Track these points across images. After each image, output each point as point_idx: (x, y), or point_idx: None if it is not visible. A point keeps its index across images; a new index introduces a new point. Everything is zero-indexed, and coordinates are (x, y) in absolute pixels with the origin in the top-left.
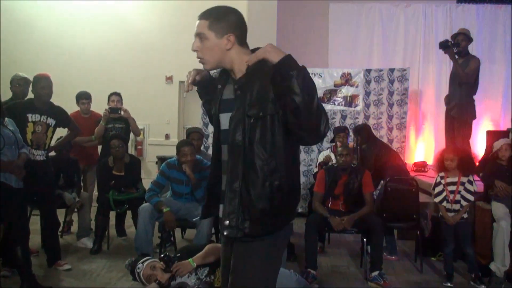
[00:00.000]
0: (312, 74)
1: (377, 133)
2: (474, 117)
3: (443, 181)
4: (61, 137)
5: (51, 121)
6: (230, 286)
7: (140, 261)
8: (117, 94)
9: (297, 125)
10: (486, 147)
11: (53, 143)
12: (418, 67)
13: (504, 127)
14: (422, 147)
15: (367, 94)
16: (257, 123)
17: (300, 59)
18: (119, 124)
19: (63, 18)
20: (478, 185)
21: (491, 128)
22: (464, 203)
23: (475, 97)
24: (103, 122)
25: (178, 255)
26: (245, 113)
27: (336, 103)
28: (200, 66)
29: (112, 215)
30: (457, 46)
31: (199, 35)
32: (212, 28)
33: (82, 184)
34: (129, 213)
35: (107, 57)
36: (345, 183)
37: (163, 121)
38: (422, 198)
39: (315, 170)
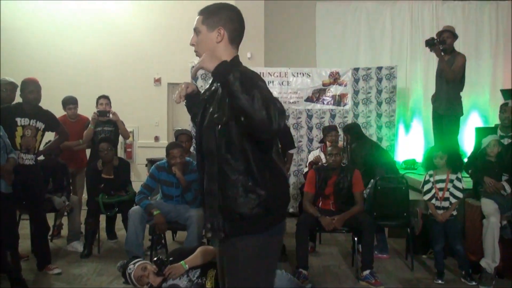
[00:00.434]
0: (300, 73)
1: (366, 131)
2: (461, 113)
3: (432, 179)
4: (49, 141)
5: (40, 125)
6: (226, 286)
7: (132, 263)
8: (106, 97)
9: (249, 125)
10: (475, 143)
11: (41, 147)
12: (405, 65)
13: (492, 123)
14: (412, 144)
15: (356, 92)
16: (224, 128)
17: (287, 58)
18: (108, 127)
19: (49, 22)
20: (467, 182)
21: (479, 124)
22: (453, 200)
23: (462, 93)
24: (91, 126)
25: (171, 258)
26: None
27: (325, 102)
28: (187, 68)
29: (102, 218)
30: (442, 44)
31: (195, 30)
32: (205, 22)
33: (71, 188)
34: (119, 216)
35: (95, 59)
36: (335, 182)
37: (152, 123)
38: (412, 196)
39: (305, 169)
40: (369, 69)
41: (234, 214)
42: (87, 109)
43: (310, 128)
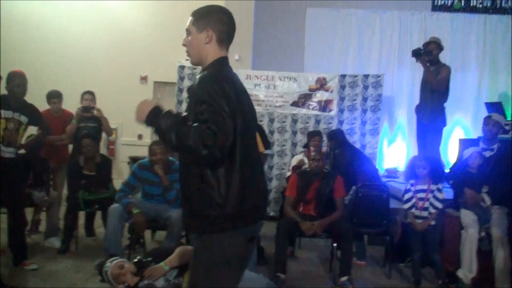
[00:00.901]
0: (287, 77)
1: (350, 138)
2: (444, 124)
3: (412, 188)
4: (31, 135)
5: (24, 119)
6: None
7: (109, 261)
8: (90, 93)
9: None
10: (457, 155)
11: (23, 141)
12: (392, 74)
13: (475, 135)
14: (394, 153)
15: (342, 99)
16: None
17: (275, 62)
18: (92, 123)
19: (34, 15)
20: (448, 192)
21: (462, 136)
22: (432, 210)
23: (446, 105)
24: (75, 121)
25: (150, 259)
26: None
27: (310, 107)
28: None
29: (82, 215)
30: (428, 54)
31: (186, 31)
32: (195, 23)
33: (51, 183)
34: (98, 214)
35: (81, 55)
36: (317, 188)
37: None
38: (393, 204)
39: (288, 173)
40: (356, 76)
41: (191, 212)
42: (71, 104)
43: (294, 133)
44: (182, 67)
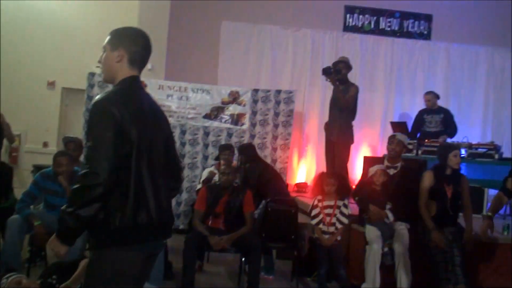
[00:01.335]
0: (200, 90)
1: (261, 152)
2: (352, 141)
3: (320, 204)
4: None
5: None
6: None
7: (5, 276)
8: None
9: None
10: (363, 172)
11: None
12: (304, 90)
13: (381, 153)
14: (304, 168)
15: (254, 113)
16: None
17: (189, 74)
18: None
19: None
20: (354, 208)
21: (368, 154)
22: (339, 225)
23: (354, 123)
24: None
25: (55, 277)
26: None
27: (222, 120)
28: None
29: None
30: (338, 73)
31: (103, 48)
32: (110, 42)
33: None
34: None
35: None
36: (226, 202)
37: (42, 128)
38: (302, 219)
39: (199, 186)
40: (268, 91)
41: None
42: None
43: (206, 145)
44: (92, 74)
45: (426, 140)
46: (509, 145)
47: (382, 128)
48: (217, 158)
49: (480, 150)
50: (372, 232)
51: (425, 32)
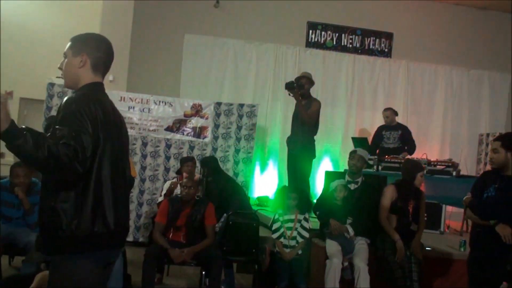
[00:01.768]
0: (162, 102)
1: (223, 166)
2: (314, 156)
3: (281, 218)
4: None
5: None
6: None
7: None
8: None
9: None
10: (324, 186)
11: None
12: (266, 104)
13: (342, 168)
14: (266, 182)
15: (216, 126)
16: None
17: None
18: None
19: None
20: (315, 222)
21: (330, 168)
22: (300, 239)
23: (316, 137)
24: None
25: None
26: None
27: (185, 133)
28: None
29: None
30: (300, 88)
31: (64, 54)
32: (72, 47)
33: None
34: None
35: None
36: (188, 215)
37: None
38: (262, 232)
39: (160, 199)
40: (231, 104)
41: (43, 232)
42: None
43: (167, 158)
44: (51, 85)
45: (387, 156)
46: (467, 163)
47: (343, 143)
48: (178, 171)
49: (438, 166)
50: (332, 247)
51: (386, 50)
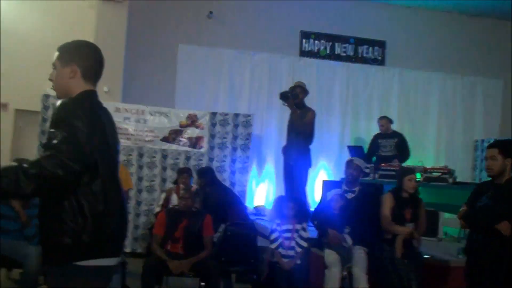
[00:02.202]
0: (158, 112)
1: (220, 176)
2: (310, 165)
3: (279, 228)
4: None
5: None
6: None
7: None
8: None
9: None
10: (321, 195)
11: None
12: (262, 114)
13: (338, 177)
14: (263, 191)
15: (212, 136)
16: None
17: (146, 97)
18: None
19: None
20: (312, 232)
21: (327, 177)
22: (298, 249)
23: (312, 146)
24: None
25: None
26: None
27: (181, 143)
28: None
29: None
30: (295, 98)
31: (53, 65)
32: (60, 58)
33: None
34: None
35: None
36: (185, 226)
37: None
38: (261, 242)
39: (157, 209)
40: (226, 114)
41: (46, 242)
42: None
43: (164, 168)
44: (47, 96)
45: (383, 164)
46: (462, 169)
47: (339, 152)
48: (175, 182)
49: (434, 174)
50: (331, 256)
51: (379, 58)
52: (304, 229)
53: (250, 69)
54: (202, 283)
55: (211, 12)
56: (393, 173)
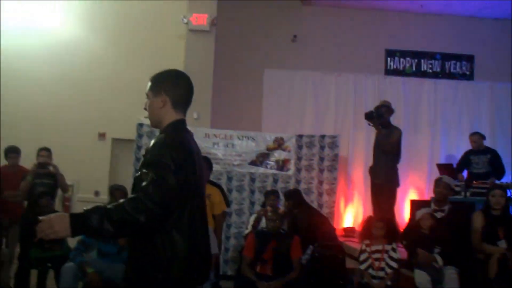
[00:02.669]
0: (245, 137)
1: (307, 197)
2: (398, 185)
3: (368, 249)
4: None
5: None
6: None
7: None
8: (47, 150)
9: None
10: (410, 215)
11: None
12: (348, 134)
13: (427, 196)
14: (351, 213)
15: (299, 159)
16: None
17: (234, 122)
18: (47, 180)
19: None
20: (402, 252)
21: (415, 197)
22: (388, 270)
23: (400, 166)
24: (29, 177)
25: None
26: None
27: (268, 166)
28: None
29: (34, 274)
30: (380, 117)
31: (146, 95)
32: (152, 88)
33: (4, 240)
34: (52, 272)
35: (38, 111)
36: (274, 248)
37: (93, 178)
38: (350, 264)
39: (247, 231)
40: (312, 136)
41: (136, 275)
42: (25, 161)
43: (252, 191)
44: (141, 125)
45: (474, 182)
46: None
47: (428, 170)
48: (263, 204)
49: None
50: (421, 277)
51: (468, 73)
52: (394, 250)
53: (335, 90)
54: None
55: (295, 36)
56: (486, 190)
